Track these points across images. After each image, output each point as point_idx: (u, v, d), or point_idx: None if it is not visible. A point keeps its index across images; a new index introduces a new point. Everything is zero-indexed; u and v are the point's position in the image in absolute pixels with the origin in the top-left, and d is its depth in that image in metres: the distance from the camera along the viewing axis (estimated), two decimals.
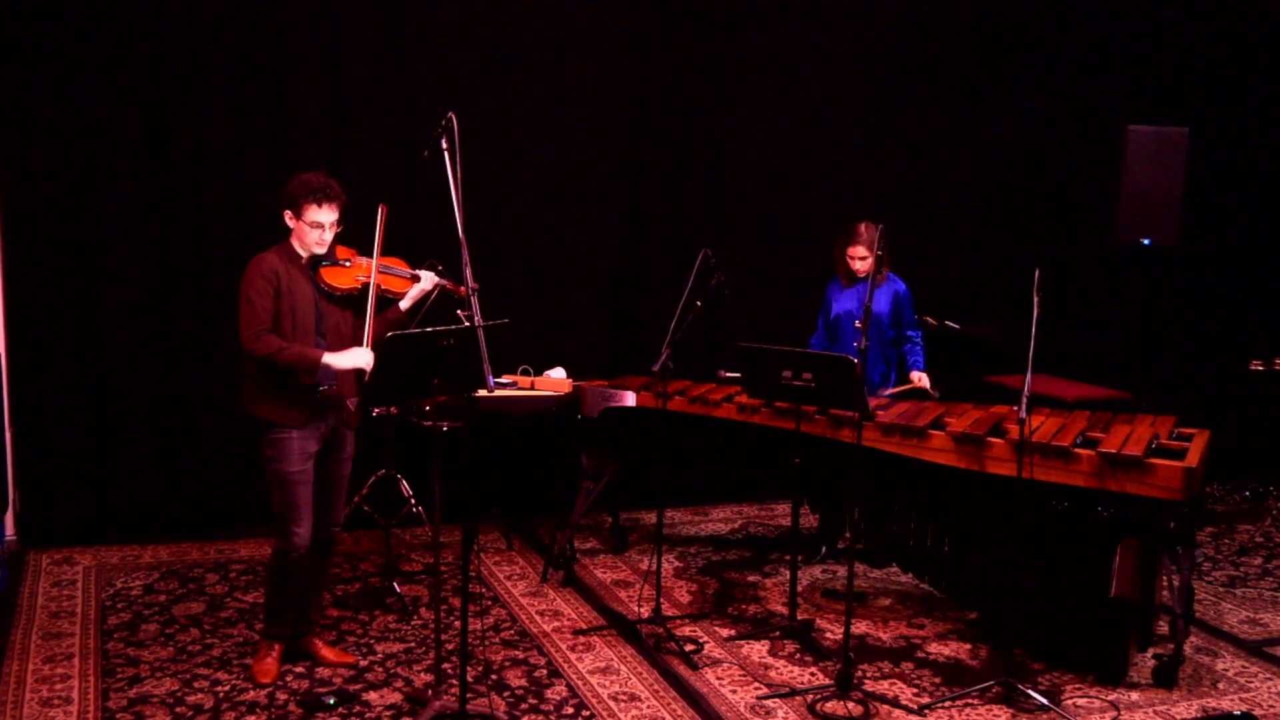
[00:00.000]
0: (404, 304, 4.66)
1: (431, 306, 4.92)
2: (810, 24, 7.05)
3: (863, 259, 5.65)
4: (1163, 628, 5.03)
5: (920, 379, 5.72)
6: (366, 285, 4.51)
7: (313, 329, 4.42)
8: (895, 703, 4.47)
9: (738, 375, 5.52)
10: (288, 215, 4.41)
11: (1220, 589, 5.85)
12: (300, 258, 4.46)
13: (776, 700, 4.48)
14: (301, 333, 4.38)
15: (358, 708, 4.34)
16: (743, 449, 5.54)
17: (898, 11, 7.21)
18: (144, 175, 6.02)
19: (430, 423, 4.40)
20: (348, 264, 4.55)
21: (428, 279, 4.71)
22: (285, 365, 4.30)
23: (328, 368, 4.35)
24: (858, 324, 5.23)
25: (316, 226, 4.38)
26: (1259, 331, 7.69)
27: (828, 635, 5.11)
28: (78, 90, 5.86)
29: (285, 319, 4.35)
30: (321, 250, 4.45)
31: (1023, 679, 4.57)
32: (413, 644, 4.93)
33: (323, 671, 4.62)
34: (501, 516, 6.45)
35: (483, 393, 4.41)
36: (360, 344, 4.44)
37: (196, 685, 4.51)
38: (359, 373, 4.39)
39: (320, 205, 4.36)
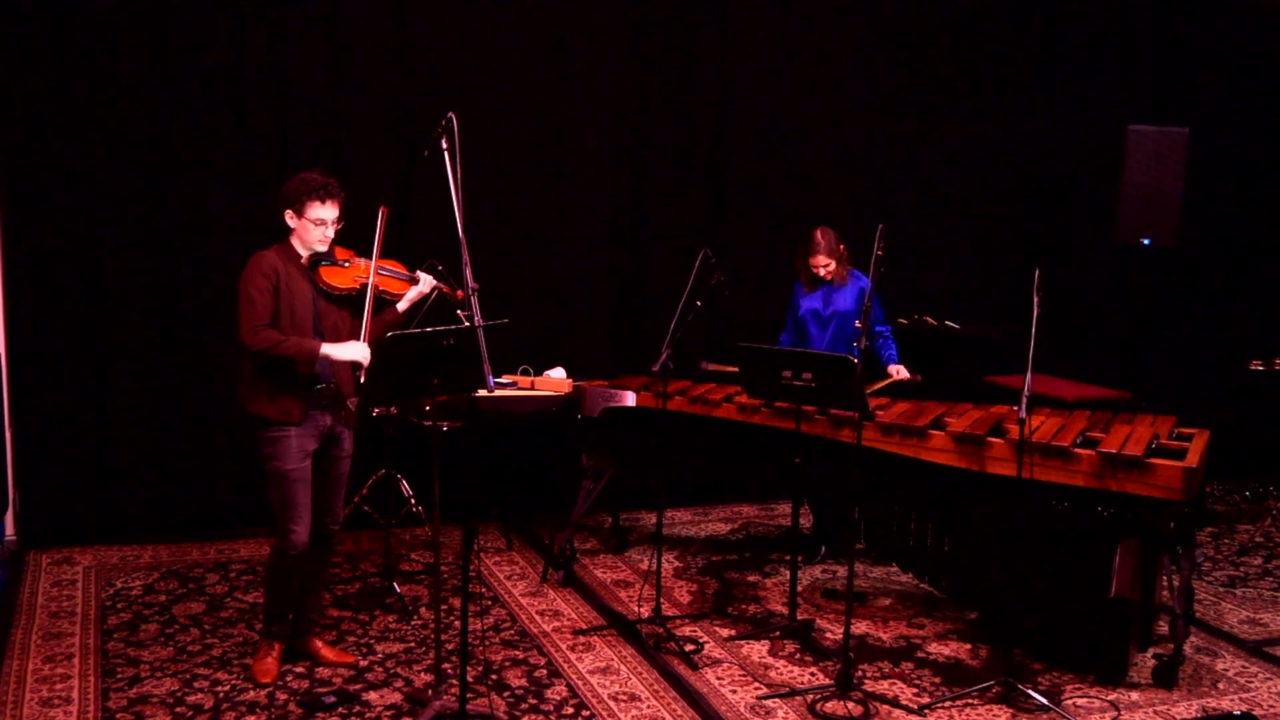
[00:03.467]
0: (401, 305, 4.66)
1: (431, 307, 4.92)
2: (811, 24, 7.06)
3: (825, 266, 5.76)
4: (1163, 628, 5.03)
5: (898, 371, 5.77)
6: (365, 286, 4.51)
7: (311, 328, 4.42)
8: (895, 703, 4.47)
9: (721, 369, 5.57)
10: (289, 214, 4.41)
11: (1220, 589, 5.85)
12: (300, 257, 4.46)
13: (776, 700, 4.48)
14: (300, 331, 4.38)
15: (358, 708, 4.34)
16: (743, 449, 5.54)
17: (898, 11, 7.21)
18: (144, 175, 6.02)
19: (430, 423, 4.40)
20: (346, 264, 4.56)
21: (425, 281, 4.71)
22: (284, 358, 4.31)
23: (326, 358, 4.36)
24: (857, 324, 5.24)
25: (320, 224, 4.39)
26: (1259, 331, 7.69)
27: (828, 635, 5.11)
28: (78, 90, 5.86)
29: (284, 317, 4.36)
30: (323, 248, 4.46)
31: (1023, 679, 4.57)
32: (413, 644, 4.93)
33: (323, 671, 4.62)
34: (501, 516, 6.45)
35: (483, 393, 4.41)
36: None
37: (196, 685, 4.51)
38: (356, 372, 4.39)
39: (323, 202, 4.38)
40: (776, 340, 6.03)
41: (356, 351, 4.38)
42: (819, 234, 5.77)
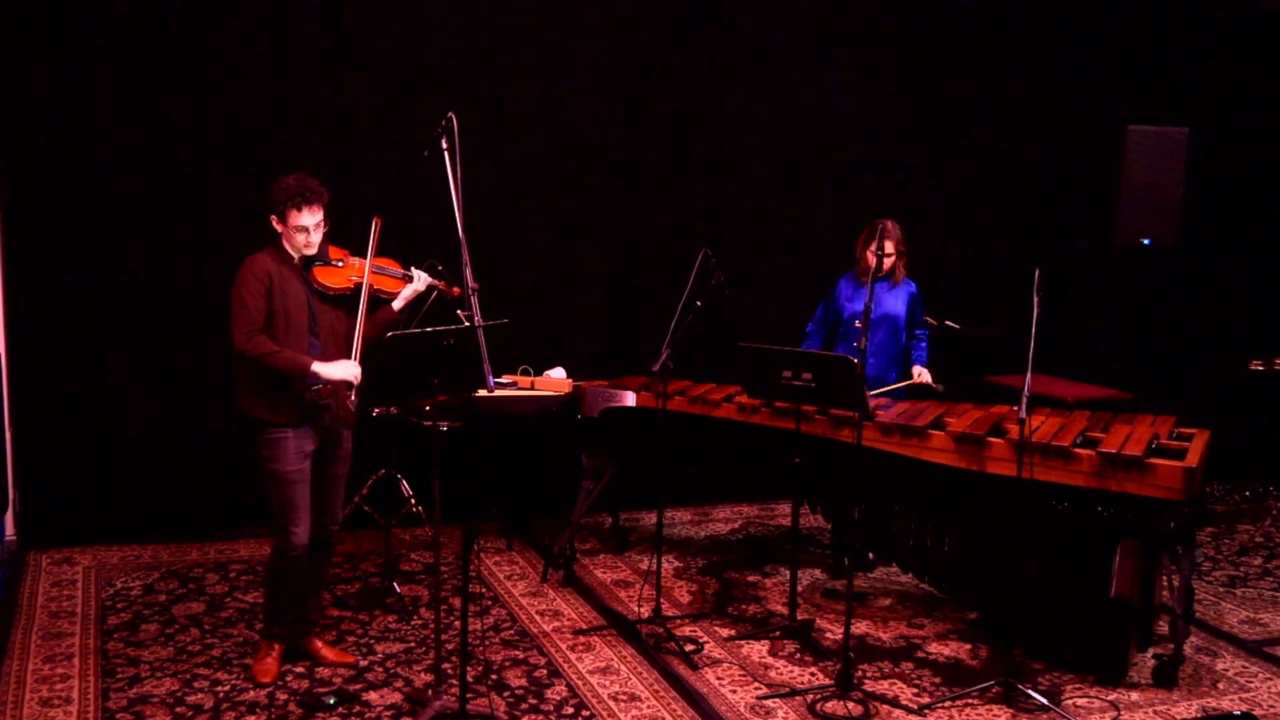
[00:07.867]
0: (396, 304, 4.65)
1: (431, 307, 4.91)
2: (812, 25, 7.05)
3: (889, 255, 5.61)
4: (1163, 628, 5.03)
5: (920, 374, 5.73)
6: (359, 285, 4.51)
7: (306, 329, 4.42)
8: (895, 703, 4.47)
9: None
10: (274, 220, 4.42)
11: (1220, 589, 5.85)
12: (293, 258, 4.46)
13: (776, 700, 4.48)
14: (295, 333, 4.38)
15: (358, 708, 4.34)
16: (743, 449, 5.54)
17: (898, 12, 7.21)
18: (144, 175, 6.02)
19: (430, 423, 4.40)
20: (340, 264, 4.55)
21: (420, 279, 4.70)
22: (274, 369, 4.31)
23: (316, 375, 4.35)
24: (858, 324, 5.23)
25: (302, 230, 4.38)
26: (1259, 331, 7.69)
27: (828, 635, 5.11)
28: (78, 90, 5.86)
29: (278, 319, 4.35)
30: (311, 252, 4.45)
31: (1023, 679, 4.57)
32: (413, 644, 4.93)
33: (323, 671, 4.62)
34: (501, 516, 6.45)
35: (483, 393, 4.41)
36: (352, 343, 4.43)
37: (196, 685, 4.51)
38: (348, 390, 4.37)
39: (302, 209, 4.36)
40: (798, 342, 5.88)
41: (347, 371, 4.35)
42: (890, 224, 5.57)
